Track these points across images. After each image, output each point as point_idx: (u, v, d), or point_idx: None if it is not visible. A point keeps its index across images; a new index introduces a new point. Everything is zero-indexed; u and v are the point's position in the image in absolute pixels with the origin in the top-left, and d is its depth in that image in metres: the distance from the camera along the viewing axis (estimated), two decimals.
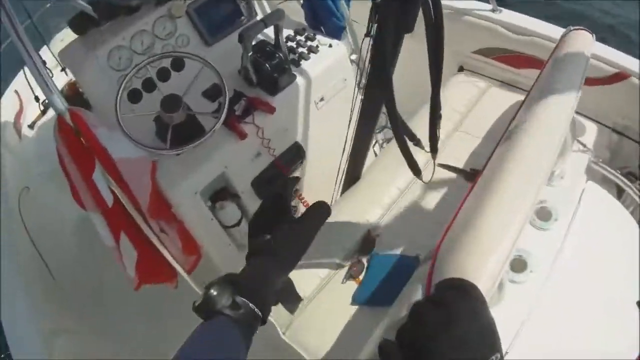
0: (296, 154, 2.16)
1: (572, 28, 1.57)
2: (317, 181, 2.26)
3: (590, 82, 2.37)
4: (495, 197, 1.06)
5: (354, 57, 2.46)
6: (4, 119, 2.81)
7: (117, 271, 1.81)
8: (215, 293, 0.78)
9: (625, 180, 1.86)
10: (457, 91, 2.13)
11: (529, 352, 1.16)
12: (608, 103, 2.35)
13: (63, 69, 2.35)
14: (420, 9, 1.43)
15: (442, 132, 1.88)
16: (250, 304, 0.79)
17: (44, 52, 2.62)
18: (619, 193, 1.91)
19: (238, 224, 2.05)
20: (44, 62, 1.89)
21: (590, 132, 1.84)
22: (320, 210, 0.92)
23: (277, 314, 1.53)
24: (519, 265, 1.31)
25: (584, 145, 1.69)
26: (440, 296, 0.72)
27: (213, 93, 2.00)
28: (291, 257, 0.89)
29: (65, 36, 2.66)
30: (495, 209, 1.03)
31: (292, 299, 1.03)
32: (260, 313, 0.80)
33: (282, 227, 0.89)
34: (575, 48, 1.48)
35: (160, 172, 1.83)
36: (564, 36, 1.55)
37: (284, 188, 0.99)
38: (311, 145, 2.21)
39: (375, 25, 1.46)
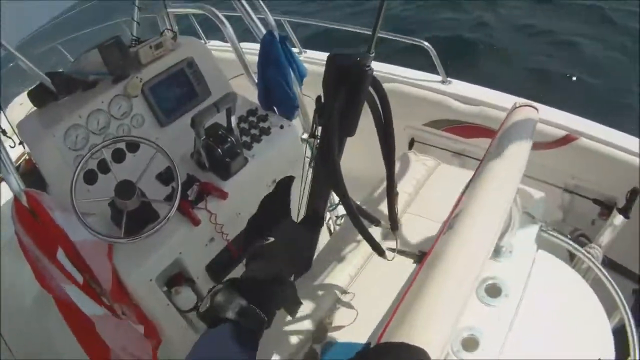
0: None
1: (517, 104, 1.68)
2: None
3: (539, 146, 2.52)
4: (438, 278, 1.14)
5: (305, 136, 2.55)
6: None
7: (74, 345, 1.82)
8: (222, 299, 0.76)
9: (576, 246, 1.87)
10: (406, 171, 2.23)
11: None
12: (559, 165, 2.50)
13: (21, 143, 2.37)
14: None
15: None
16: (257, 310, 0.78)
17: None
18: (572, 256, 1.96)
19: (194, 308, 2.08)
20: (3, 131, 1.91)
21: (539, 200, 1.94)
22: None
23: None
24: (470, 344, 1.38)
25: (532, 217, 1.78)
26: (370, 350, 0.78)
27: (167, 177, 2.06)
28: (293, 260, 0.88)
29: (25, 100, 2.66)
30: (438, 288, 1.11)
31: (293, 302, 1.02)
32: (266, 318, 0.79)
33: (283, 229, 0.88)
34: (519, 126, 1.58)
35: (116, 257, 1.86)
36: (509, 113, 1.65)
37: (285, 187, 0.95)
38: None
39: (320, 127, 1.53)
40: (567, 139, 2.45)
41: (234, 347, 0.74)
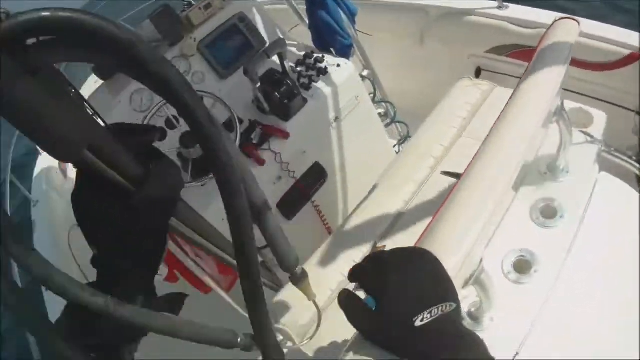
0: (318, 173, 2.23)
1: (557, 18, 1.58)
2: (341, 199, 2.31)
3: (604, 67, 2.35)
4: (463, 189, 1.09)
5: (365, 72, 2.51)
6: (49, 160, 2.99)
7: None
8: None
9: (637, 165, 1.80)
10: (460, 97, 2.15)
11: (540, 353, 1.17)
12: (628, 86, 2.32)
13: (94, 114, 2.51)
14: None
15: (446, 140, 1.90)
16: None
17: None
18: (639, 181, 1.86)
19: (265, 246, 2.10)
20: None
21: (599, 120, 1.82)
22: None
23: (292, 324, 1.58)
24: (522, 265, 1.32)
25: (591, 136, 1.67)
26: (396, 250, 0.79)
27: (229, 126, 2.09)
28: None
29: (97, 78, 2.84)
30: (465, 195, 1.06)
31: None
32: None
33: None
34: (554, 43, 1.48)
35: (188, 202, 1.91)
36: (547, 30, 1.56)
37: None
38: (332, 163, 2.28)
39: None
40: (631, 57, 2.27)
41: None
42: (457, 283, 0.91)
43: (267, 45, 2.37)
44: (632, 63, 2.28)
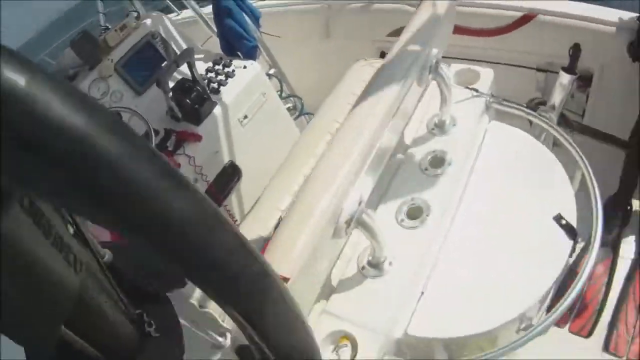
0: (231, 173, 2.42)
1: None
2: (257, 193, 2.51)
3: (500, 31, 2.55)
4: (335, 143, 1.34)
5: (272, 71, 2.72)
6: None
7: None
8: None
9: (524, 109, 1.92)
10: (356, 76, 2.32)
11: (444, 290, 1.39)
12: (527, 46, 2.53)
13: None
14: None
15: (342, 116, 2.06)
16: None
17: None
18: (531, 124, 2.01)
19: None
20: None
21: (486, 77, 1.99)
22: None
23: None
24: (415, 212, 1.52)
25: (476, 90, 1.86)
26: None
27: (146, 138, 2.28)
28: None
29: None
30: (334, 149, 1.33)
31: None
32: None
33: None
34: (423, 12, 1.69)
35: None
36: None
37: None
38: (245, 162, 2.46)
39: None
40: (526, 18, 2.46)
41: None
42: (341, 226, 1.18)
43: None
44: (526, 23, 2.47)
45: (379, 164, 1.47)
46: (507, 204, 1.58)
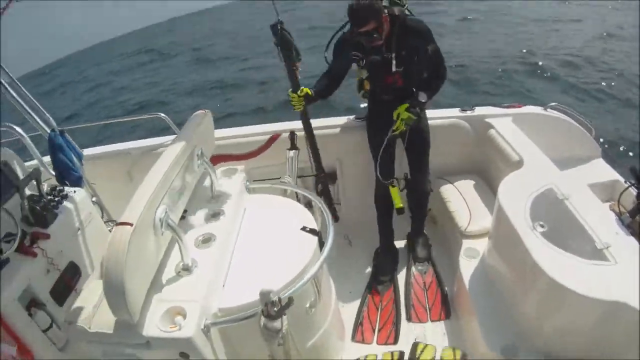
0: (74, 268, 3.02)
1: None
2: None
3: (253, 154, 3.69)
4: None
5: (94, 198, 3.55)
6: None
7: None
8: None
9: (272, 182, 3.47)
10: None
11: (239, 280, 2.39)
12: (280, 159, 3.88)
13: None
14: None
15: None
16: None
17: None
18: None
19: (49, 328, 2.71)
20: None
21: (240, 168, 3.33)
22: None
23: None
24: (208, 239, 2.57)
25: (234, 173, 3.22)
26: None
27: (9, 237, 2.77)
28: None
29: None
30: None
31: None
32: None
33: None
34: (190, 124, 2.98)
35: None
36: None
37: None
38: (83, 261, 3.10)
39: None
40: (273, 139, 3.84)
41: None
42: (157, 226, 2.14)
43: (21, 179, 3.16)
44: (275, 141, 3.75)
45: (175, 196, 2.52)
46: (269, 229, 2.75)
